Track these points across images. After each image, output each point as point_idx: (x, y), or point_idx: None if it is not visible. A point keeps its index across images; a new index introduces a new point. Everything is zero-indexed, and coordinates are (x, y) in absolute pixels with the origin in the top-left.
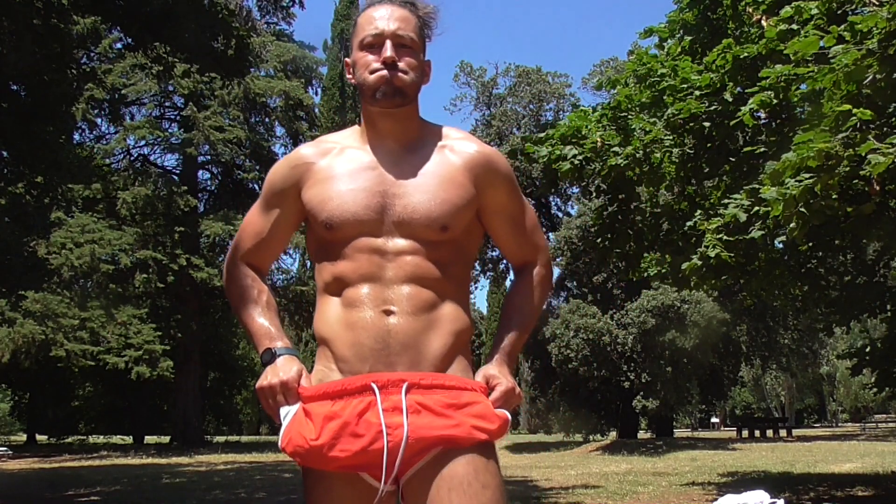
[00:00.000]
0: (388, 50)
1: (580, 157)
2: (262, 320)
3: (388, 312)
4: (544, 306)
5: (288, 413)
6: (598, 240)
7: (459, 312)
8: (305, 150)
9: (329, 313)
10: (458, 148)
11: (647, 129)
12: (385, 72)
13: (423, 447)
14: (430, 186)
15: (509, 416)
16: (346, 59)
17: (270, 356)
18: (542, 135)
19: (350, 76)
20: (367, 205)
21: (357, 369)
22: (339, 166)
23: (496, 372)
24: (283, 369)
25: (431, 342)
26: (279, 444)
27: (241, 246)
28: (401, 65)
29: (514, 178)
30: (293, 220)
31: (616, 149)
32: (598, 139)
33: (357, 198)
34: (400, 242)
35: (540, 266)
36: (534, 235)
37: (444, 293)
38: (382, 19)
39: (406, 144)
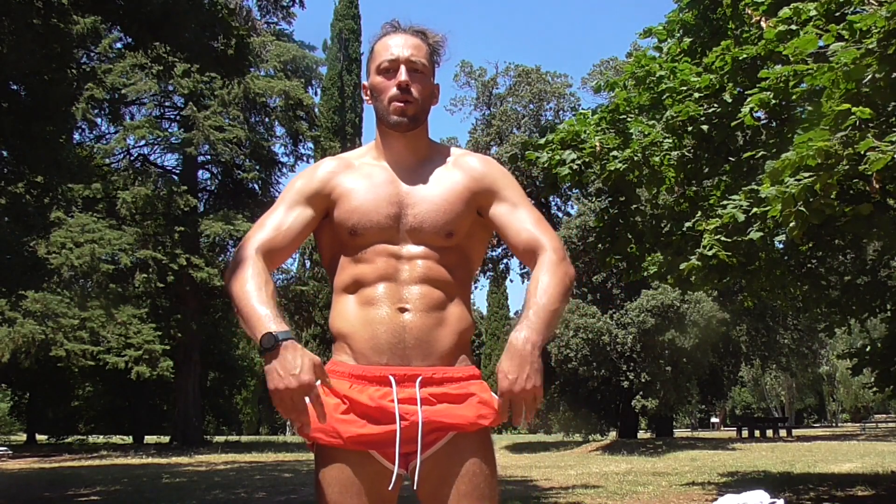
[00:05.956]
0: (402, 74)
1: (579, 162)
2: (264, 307)
3: (403, 310)
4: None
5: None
6: (599, 245)
7: (464, 312)
8: (330, 163)
9: (347, 310)
10: (459, 161)
11: (646, 132)
12: (401, 103)
13: (435, 434)
14: (436, 198)
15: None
16: (364, 83)
17: (272, 341)
18: (542, 140)
19: (367, 98)
20: (386, 214)
21: (374, 361)
22: (362, 181)
23: (507, 365)
24: (295, 365)
25: (441, 338)
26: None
27: (256, 238)
28: (413, 91)
29: (508, 177)
30: (312, 223)
31: (615, 152)
32: (598, 143)
33: (378, 208)
34: (413, 248)
35: (550, 251)
36: (538, 226)
37: (451, 294)
38: (397, 46)
39: (417, 161)
